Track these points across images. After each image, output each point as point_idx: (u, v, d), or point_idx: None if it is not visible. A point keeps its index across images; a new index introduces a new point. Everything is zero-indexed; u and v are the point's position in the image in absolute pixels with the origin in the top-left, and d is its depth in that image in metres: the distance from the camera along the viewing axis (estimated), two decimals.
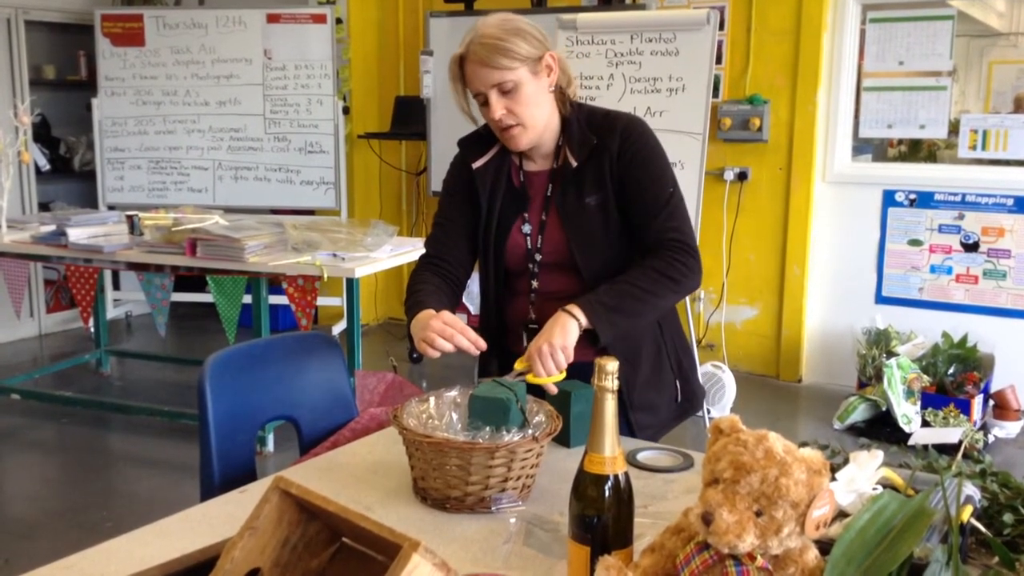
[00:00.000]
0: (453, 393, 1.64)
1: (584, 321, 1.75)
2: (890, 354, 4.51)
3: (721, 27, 5.10)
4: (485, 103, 1.86)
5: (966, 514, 1.22)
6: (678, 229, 1.88)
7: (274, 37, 5.83)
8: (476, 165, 1.98)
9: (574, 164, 1.91)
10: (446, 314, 1.76)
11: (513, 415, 1.54)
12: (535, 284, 1.96)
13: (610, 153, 1.89)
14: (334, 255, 3.82)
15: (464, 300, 5.74)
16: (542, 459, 1.57)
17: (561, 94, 1.93)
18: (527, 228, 1.96)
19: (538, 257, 1.95)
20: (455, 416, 1.58)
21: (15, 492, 3.88)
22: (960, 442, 3.89)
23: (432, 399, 1.64)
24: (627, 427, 1.94)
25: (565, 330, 1.73)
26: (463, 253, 2.02)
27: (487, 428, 1.53)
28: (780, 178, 5.12)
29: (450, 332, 1.71)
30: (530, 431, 1.53)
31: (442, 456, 1.48)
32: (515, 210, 1.97)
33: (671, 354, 2.05)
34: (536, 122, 1.88)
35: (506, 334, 2.04)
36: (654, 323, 2.02)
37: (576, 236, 1.91)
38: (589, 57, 4.71)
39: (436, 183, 5.76)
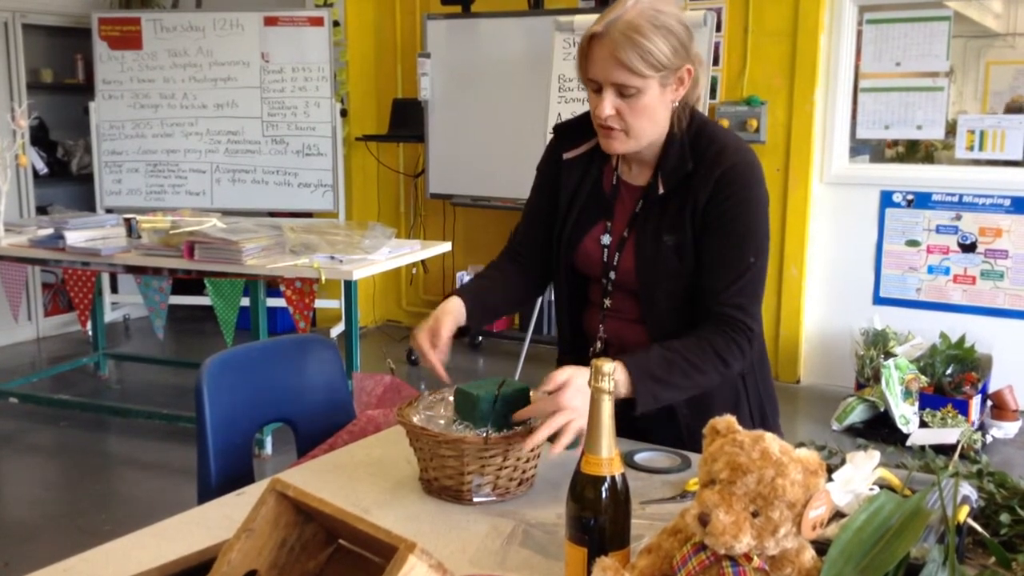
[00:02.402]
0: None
1: (625, 389, 1.55)
2: (888, 355, 4.51)
3: (718, 28, 5.11)
4: (597, 91, 1.65)
5: (963, 514, 1.22)
6: (745, 308, 1.68)
7: (271, 40, 5.83)
8: (568, 156, 1.82)
9: (660, 191, 1.71)
10: (437, 328, 1.71)
11: (482, 414, 1.52)
12: (608, 303, 1.80)
13: (698, 196, 1.67)
14: (332, 257, 3.82)
15: None
16: (540, 458, 1.58)
17: (681, 106, 1.71)
18: (606, 239, 1.78)
19: (612, 275, 1.77)
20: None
21: (14, 496, 3.88)
22: (958, 442, 3.89)
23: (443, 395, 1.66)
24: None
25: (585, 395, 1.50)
26: (545, 246, 1.87)
27: (464, 423, 1.54)
28: (777, 179, 5.13)
29: (424, 351, 1.69)
30: (489, 431, 1.51)
31: (437, 446, 1.51)
32: (596, 216, 1.79)
33: (753, 404, 1.83)
34: (643, 135, 1.68)
35: (586, 348, 1.85)
36: None
37: (645, 271, 1.73)
38: None
39: (434, 185, 5.77)
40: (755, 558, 1.04)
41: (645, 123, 1.66)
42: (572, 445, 1.72)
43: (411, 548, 0.90)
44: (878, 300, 5.03)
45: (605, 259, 1.78)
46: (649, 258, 1.72)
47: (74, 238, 4.11)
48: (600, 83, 1.64)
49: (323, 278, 3.74)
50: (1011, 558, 1.19)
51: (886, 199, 4.97)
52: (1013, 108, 4.82)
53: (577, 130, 1.83)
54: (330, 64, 5.82)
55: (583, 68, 1.68)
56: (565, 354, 1.92)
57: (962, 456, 1.41)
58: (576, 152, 1.82)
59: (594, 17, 5.42)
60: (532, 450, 1.53)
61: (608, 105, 1.63)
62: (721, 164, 1.67)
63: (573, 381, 1.52)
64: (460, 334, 1.77)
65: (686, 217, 1.69)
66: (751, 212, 1.69)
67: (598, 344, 1.82)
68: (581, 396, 1.50)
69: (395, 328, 6.42)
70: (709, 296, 1.69)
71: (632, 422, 1.70)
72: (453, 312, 1.75)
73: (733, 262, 1.68)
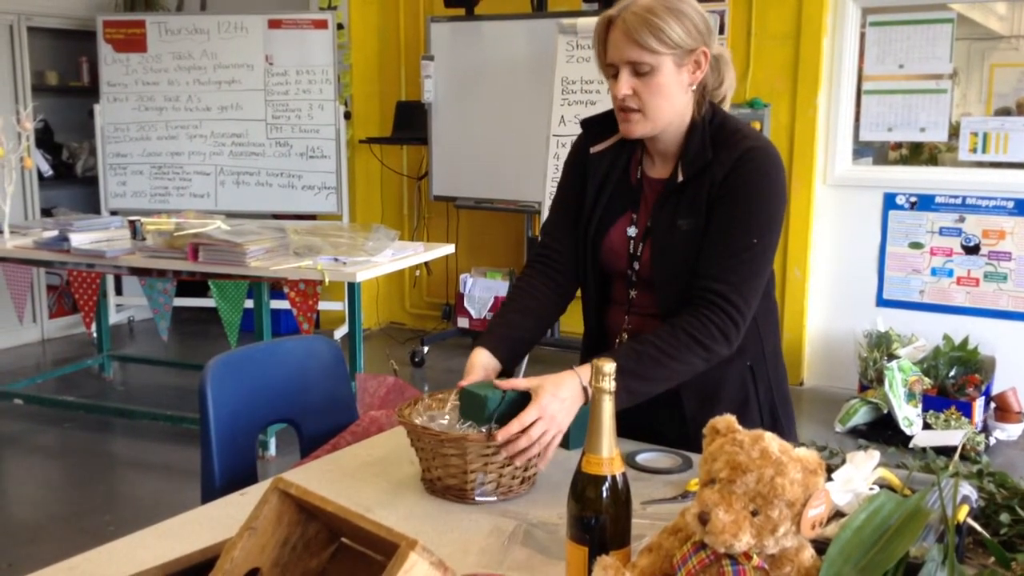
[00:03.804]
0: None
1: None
2: (891, 357, 4.51)
3: (721, 31, 5.11)
4: (614, 76, 1.67)
5: (962, 514, 1.23)
6: (734, 287, 1.64)
7: (276, 42, 5.84)
8: (594, 150, 1.83)
9: (680, 178, 1.70)
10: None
11: (488, 414, 1.52)
12: (633, 295, 1.79)
13: (714, 177, 1.67)
14: (335, 259, 3.83)
15: (466, 305, 5.76)
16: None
17: (702, 95, 1.73)
18: (632, 231, 1.78)
19: (636, 266, 1.77)
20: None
21: (18, 497, 3.89)
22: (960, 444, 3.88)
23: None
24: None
25: (565, 405, 1.53)
26: (576, 243, 1.86)
27: (468, 423, 1.55)
28: None
29: None
30: (493, 427, 1.51)
31: (440, 445, 1.52)
32: (622, 208, 1.80)
33: (763, 406, 1.84)
34: (660, 115, 1.68)
35: (608, 346, 1.83)
36: (743, 364, 1.77)
37: (660, 258, 1.72)
38: (589, 62, 4.72)
39: (437, 187, 5.77)
40: (754, 557, 1.04)
41: (661, 102, 1.67)
42: (572, 445, 1.73)
43: (412, 545, 0.91)
44: (881, 302, 5.03)
45: (631, 250, 1.77)
46: (664, 246, 1.72)
47: (79, 240, 4.12)
48: (617, 66, 1.66)
49: (327, 280, 3.75)
50: (1011, 558, 1.19)
51: (889, 201, 4.97)
52: (1002, 112, 4.82)
53: (604, 124, 1.83)
54: (334, 67, 5.83)
55: (601, 54, 1.71)
56: (588, 353, 1.90)
57: (964, 457, 1.41)
58: (603, 146, 1.82)
59: (597, 20, 5.39)
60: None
61: (624, 84, 1.65)
62: (740, 147, 1.68)
63: (545, 387, 1.53)
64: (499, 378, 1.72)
65: (702, 200, 1.68)
66: (763, 194, 1.67)
67: (624, 336, 1.80)
68: (557, 402, 1.53)
69: (398, 330, 6.42)
70: (702, 270, 1.67)
71: (640, 420, 1.71)
72: (482, 366, 1.70)
73: (733, 239, 1.66)
